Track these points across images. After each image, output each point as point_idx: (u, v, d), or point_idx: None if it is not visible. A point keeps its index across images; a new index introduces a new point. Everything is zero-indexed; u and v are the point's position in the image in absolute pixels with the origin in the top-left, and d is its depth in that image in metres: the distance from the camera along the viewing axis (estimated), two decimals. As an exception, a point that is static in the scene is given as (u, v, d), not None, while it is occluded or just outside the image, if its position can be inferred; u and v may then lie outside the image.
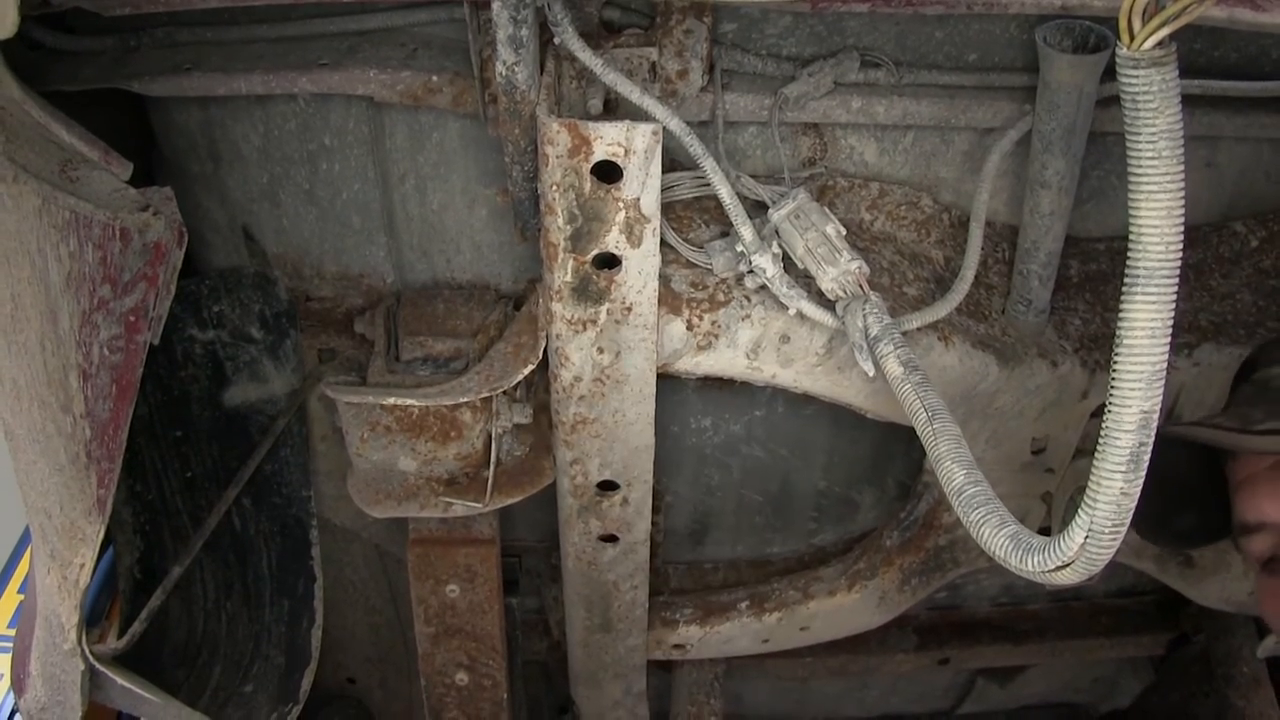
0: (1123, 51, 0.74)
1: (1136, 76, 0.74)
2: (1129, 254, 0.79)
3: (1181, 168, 0.76)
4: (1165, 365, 0.78)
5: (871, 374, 1.09)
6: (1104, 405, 0.83)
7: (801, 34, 1.22)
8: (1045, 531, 1.50)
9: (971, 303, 1.30)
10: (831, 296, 1.15)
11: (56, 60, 1.20)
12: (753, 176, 1.24)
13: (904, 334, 1.13)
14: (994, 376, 1.29)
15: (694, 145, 1.06)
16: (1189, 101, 1.21)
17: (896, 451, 1.62)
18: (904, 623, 1.77)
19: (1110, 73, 0.85)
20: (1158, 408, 0.79)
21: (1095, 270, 1.39)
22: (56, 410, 1.11)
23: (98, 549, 1.20)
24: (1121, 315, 0.79)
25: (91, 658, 1.26)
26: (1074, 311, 1.37)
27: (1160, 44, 0.72)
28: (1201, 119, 1.26)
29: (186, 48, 1.22)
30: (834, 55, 1.21)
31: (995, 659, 1.99)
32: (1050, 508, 1.49)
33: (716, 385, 1.30)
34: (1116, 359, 0.79)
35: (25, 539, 2.33)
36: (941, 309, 1.21)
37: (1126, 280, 0.79)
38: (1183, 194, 0.77)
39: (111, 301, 1.09)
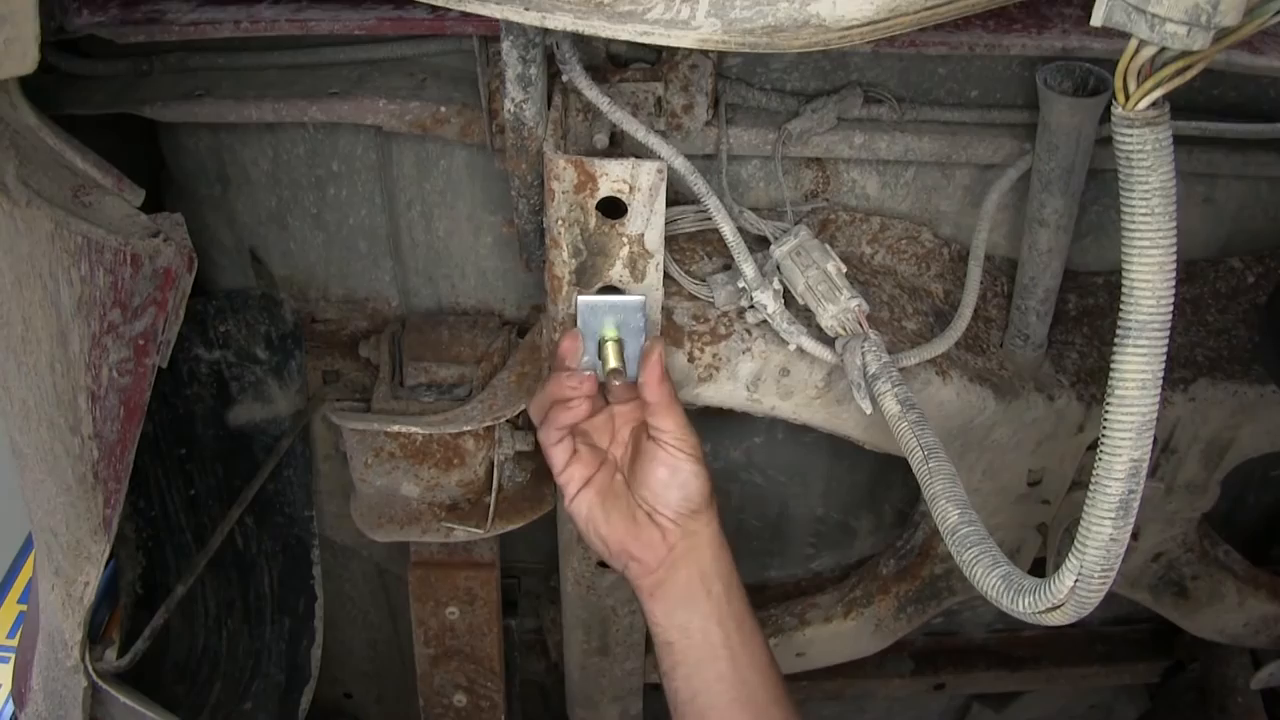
0: (1118, 111, 0.75)
1: (1131, 135, 0.76)
2: (1121, 306, 0.81)
3: (1174, 224, 0.78)
4: (1155, 415, 0.80)
5: (869, 411, 1.10)
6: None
7: (805, 69, 1.24)
8: (1041, 561, 1.52)
9: (970, 336, 1.32)
10: (831, 333, 1.16)
11: (70, 84, 1.22)
12: (755, 209, 1.25)
13: (902, 370, 1.14)
14: (991, 410, 1.30)
15: (699, 184, 1.08)
16: (1188, 140, 1.23)
17: (894, 479, 1.63)
18: (900, 648, 1.77)
19: (1110, 112, 0.87)
20: (1147, 457, 0.80)
21: (1093, 304, 1.40)
22: (65, 431, 1.13)
23: (103, 568, 1.21)
24: (1113, 366, 0.80)
25: (94, 674, 1.27)
26: (1071, 345, 1.38)
27: (1154, 104, 0.74)
28: (1200, 156, 1.27)
29: (199, 74, 1.23)
30: (837, 91, 1.23)
31: (991, 685, 2.00)
32: (1046, 539, 1.50)
33: (716, 413, 1.31)
34: (1108, 409, 0.80)
35: (25, 549, 2.34)
36: (940, 345, 1.22)
37: (1119, 332, 0.80)
38: (1175, 249, 0.78)
39: (121, 325, 1.10)
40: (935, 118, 1.25)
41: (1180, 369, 1.35)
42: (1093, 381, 1.34)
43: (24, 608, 2.24)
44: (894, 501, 1.67)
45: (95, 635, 1.37)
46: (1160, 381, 0.79)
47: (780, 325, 1.16)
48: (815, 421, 1.28)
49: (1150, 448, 0.79)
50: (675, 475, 1.15)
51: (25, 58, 0.85)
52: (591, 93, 1.05)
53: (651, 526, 1.17)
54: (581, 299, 1.12)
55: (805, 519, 1.69)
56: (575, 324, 1.14)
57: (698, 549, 1.17)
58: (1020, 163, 1.22)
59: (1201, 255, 1.41)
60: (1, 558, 2.35)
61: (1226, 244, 1.41)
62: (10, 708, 1.50)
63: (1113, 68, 0.76)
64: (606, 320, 1.13)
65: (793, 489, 1.64)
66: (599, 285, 1.13)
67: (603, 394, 1.17)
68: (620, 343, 1.14)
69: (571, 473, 1.16)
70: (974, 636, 1.96)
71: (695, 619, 1.17)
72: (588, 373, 1.12)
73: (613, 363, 1.13)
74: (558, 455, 1.16)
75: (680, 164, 1.07)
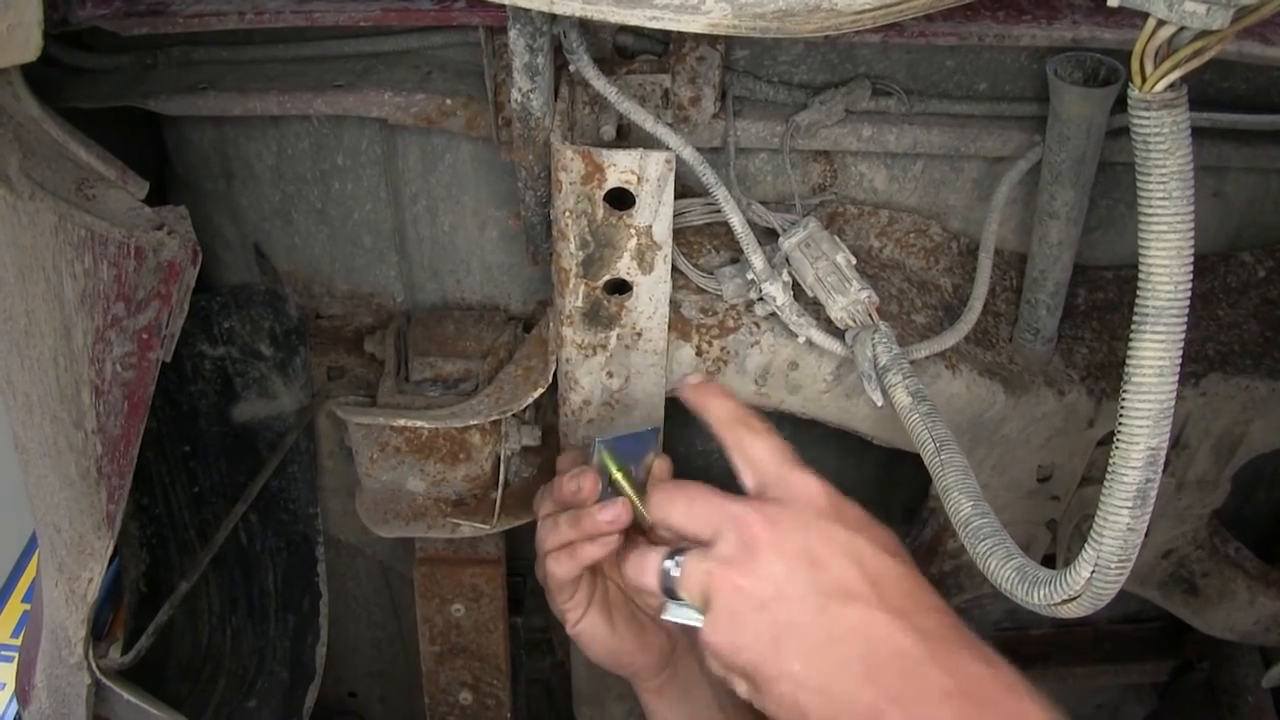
0: (1134, 93, 0.75)
1: (1148, 118, 0.75)
2: (1138, 292, 0.80)
3: (1191, 208, 0.77)
4: (1173, 403, 0.79)
5: (880, 403, 1.09)
6: (1111, 434, 0.84)
7: (813, 61, 1.23)
8: (1050, 558, 1.51)
9: (979, 331, 1.31)
10: (841, 325, 1.15)
11: (73, 77, 1.21)
12: (763, 202, 1.25)
13: (912, 363, 1.14)
14: (1001, 404, 1.29)
15: (707, 175, 1.07)
16: (1198, 132, 1.22)
17: (901, 476, 1.62)
18: (907, 646, 1.77)
19: (1121, 104, 0.86)
20: (1165, 445, 0.79)
21: (1103, 299, 1.40)
22: (68, 425, 1.12)
23: (106, 564, 1.20)
24: (1130, 353, 0.79)
25: (98, 672, 1.27)
26: (1081, 340, 1.37)
27: (1171, 86, 0.73)
28: (1210, 149, 1.26)
29: (203, 67, 1.23)
30: (846, 83, 1.22)
31: (998, 683, 1.99)
32: (1056, 535, 1.49)
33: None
34: (1125, 396, 0.80)
35: (29, 549, 2.34)
36: (950, 338, 1.21)
37: (1135, 318, 0.80)
38: (1192, 234, 0.78)
39: (125, 319, 1.09)
40: (944, 110, 1.24)
41: (1191, 363, 1.34)
42: (1103, 376, 1.33)
43: (28, 608, 2.24)
44: (901, 498, 1.66)
45: (99, 632, 1.37)
46: (1178, 368, 0.78)
47: (789, 317, 1.15)
48: (824, 416, 1.27)
49: (1168, 436, 0.79)
50: None
51: (28, 44, 0.84)
52: (599, 83, 1.04)
53: (657, 632, 1.16)
54: (602, 441, 1.10)
55: (812, 516, 1.68)
56: (588, 460, 1.12)
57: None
58: (1030, 155, 1.22)
59: (1211, 249, 1.40)
60: (5, 558, 2.35)
61: (1237, 238, 1.41)
62: (14, 706, 1.49)
63: (1123, 58, 0.76)
64: (622, 457, 1.12)
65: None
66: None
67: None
68: (628, 471, 1.12)
69: (576, 599, 1.13)
70: (981, 635, 1.94)
71: (699, 708, 1.16)
72: (619, 501, 1.08)
73: (629, 492, 1.10)
74: (563, 591, 1.12)
75: (689, 154, 1.06)
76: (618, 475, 1.11)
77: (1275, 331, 1.38)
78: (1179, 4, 0.66)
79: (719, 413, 1.07)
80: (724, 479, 1.59)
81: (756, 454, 1.03)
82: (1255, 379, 1.34)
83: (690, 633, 0.99)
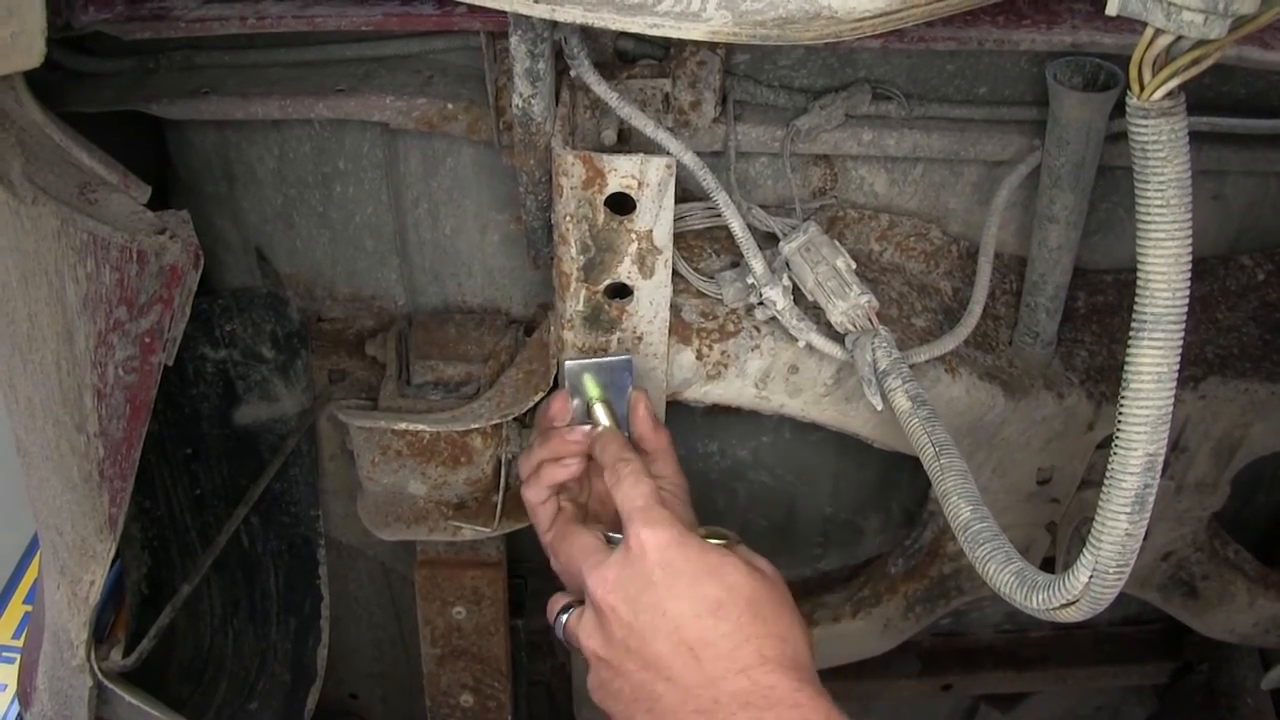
0: (1132, 101, 0.75)
1: (1146, 126, 0.75)
2: (1136, 299, 0.80)
3: (1189, 216, 0.77)
4: (1171, 409, 0.79)
5: (879, 408, 1.09)
6: (1111, 436, 0.84)
7: (814, 66, 1.23)
8: (1050, 560, 1.52)
9: (979, 334, 1.31)
10: (840, 329, 1.15)
11: (76, 82, 1.21)
12: (763, 206, 1.25)
13: (912, 367, 1.14)
14: (1000, 407, 1.29)
15: (707, 180, 1.07)
16: (1197, 136, 1.22)
17: (902, 479, 1.62)
18: (907, 648, 1.77)
19: (1120, 108, 0.86)
20: (1163, 451, 0.80)
21: (1102, 302, 1.40)
22: (71, 429, 1.12)
23: (108, 566, 1.21)
24: (1128, 359, 0.79)
25: (100, 674, 1.27)
26: (1081, 343, 1.37)
27: (1170, 94, 0.73)
28: (1209, 153, 1.26)
29: (204, 71, 1.23)
30: (846, 88, 1.22)
31: (998, 686, 1.99)
32: (1055, 538, 1.49)
33: (723, 411, 1.31)
34: (1123, 402, 0.80)
35: (30, 551, 2.34)
36: (949, 342, 1.21)
37: (1134, 325, 0.80)
38: (1190, 241, 0.78)
39: (127, 323, 1.10)
40: (944, 114, 1.24)
41: (1190, 366, 1.35)
42: (1102, 379, 1.34)
43: (29, 609, 2.24)
44: (902, 501, 1.67)
45: (101, 635, 1.37)
46: (1176, 375, 0.78)
47: (789, 322, 1.15)
48: (824, 419, 1.28)
49: (1166, 442, 0.79)
50: None
51: (31, 51, 0.85)
52: (600, 88, 1.04)
53: None
54: (569, 364, 1.15)
55: (813, 518, 1.69)
56: (562, 385, 1.16)
57: None
58: (1030, 159, 1.22)
59: (1211, 253, 1.41)
60: (7, 560, 2.35)
61: (1236, 241, 1.41)
62: (16, 708, 1.50)
63: (1122, 62, 0.76)
64: (594, 382, 1.16)
65: (800, 488, 1.64)
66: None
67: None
68: (608, 402, 1.17)
69: (550, 521, 1.17)
70: (981, 637, 1.95)
71: None
72: (584, 428, 1.15)
73: (604, 421, 1.16)
74: (544, 513, 1.16)
75: (689, 159, 1.06)
76: (594, 400, 1.16)
77: (1274, 334, 1.39)
78: (1177, 13, 0.66)
79: (600, 453, 1.13)
80: (724, 479, 1.60)
81: (619, 497, 1.06)
82: (1254, 382, 1.34)
83: None
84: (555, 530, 1.16)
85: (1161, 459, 0.80)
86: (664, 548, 0.98)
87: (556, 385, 1.23)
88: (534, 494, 1.16)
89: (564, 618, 1.09)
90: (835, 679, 1.87)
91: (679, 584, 0.96)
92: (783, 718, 0.88)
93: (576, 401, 1.17)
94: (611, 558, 1.02)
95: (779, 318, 1.16)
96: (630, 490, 1.04)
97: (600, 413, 1.17)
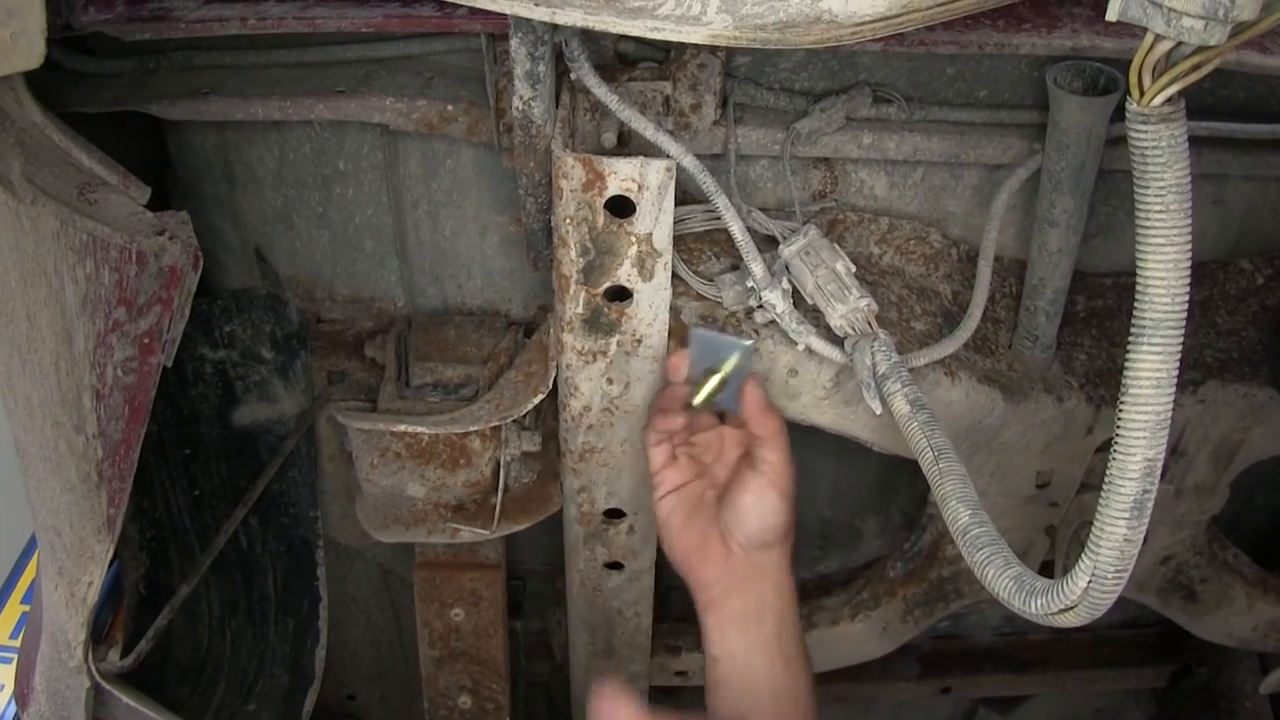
0: (1132, 107, 0.75)
1: (1146, 131, 0.75)
2: (1135, 304, 0.80)
3: (1189, 221, 0.77)
4: (1170, 414, 0.79)
5: (879, 411, 1.09)
6: (1110, 440, 0.84)
7: (814, 69, 1.23)
8: (1049, 564, 1.52)
9: (978, 337, 1.31)
10: (840, 333, 1.15)
11: (76, 82, 1.21)
12: (763, 209, 1.25)
13: (911, 370, 1.14)
14: (999, 411, 1.29)
15: (707, 182, 1.07)
16: (1197, 141, 1.22)
17: (901, 482, 1.62)
18: (906, 651, 1.77)
19: (1120, 112, 0.86)
20: (1162, 456, 0.80)
21: (1102, 306, 1.40)
22: (69, 430, 1.12)
23: (106, 567, 1.21)
24: (1127, 364, 0.79)
25: (97, 675, 1.27)
26: (1080, 347, 1.37)
27: (1169, 100, 0.73)
28: (1209, 157, 1.26)
29: (205, 72, 1.23)
30: (846, 91, 1.22)
31: (997, 689, 1.99)
32: (1054, 541, 1.49)
33: (722, 414, 1.31)
34: (1122, 407, 0.80)
35: (28, 550, 2.34)
36: (949, 346, 1.21)
37: (1133, 329, 0.80)
38: (1189, 246, 0.78)
39: (126, 324, 1.10)
40: (944, 118, 1.24)
41: (1190, 371, 1.34)
42: (1102, 383, 1.34)
43: (27, 609, 2.24)
44: (901, 504, 1.67)
45: (99, 636, 1.37)
46: (1175, 380, 0.78)
47: (789, 325, 1.15)
48: (823, 422, 1.28)
49: (1165, 447, 0.79)
50: (759, 505, 1.18)
51: (32, 52, 0.85)
52: (600, 90, 1.04)
53: (720, 546, 1.20)
54: (698, 330, 1.16)
55: (812, 521, 1.69)
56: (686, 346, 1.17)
57: (761, 580, 1.21)
58: (1030, 162, 1.22)
59: (1210, 257, 1.41)
60: (5, 560, 2.35)
61: (1236, 245, 1.41)
62: (13, 708, 1.49)
63: (1123, 67, 0.76)
64: (714, 354, 1.15)
65: (799, 491, 1.63)
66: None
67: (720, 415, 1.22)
68: (723, 379, 1.16)
69: (665, 475, 1.21)
70: (980, 640, 1.95)
71: (743, 645, 1.21)
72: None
73: (705, 392, 1.16)
74: (654, 456, 1.20)
75: (689, 162, 1.06)
76: (709, 370, 1.16)
77: (1273, 338, 1.38)
78: (1177, 19, 0.66)
79: None
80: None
81: None
82: (1253, 386, 1.34)
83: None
84: (675, 502, 1.21)
85: (1160, 464, 0.80)
86: None
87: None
88: (645, 435, 1.21)
89: None
90: (834, 682, 1.89)
91: None
92: None
93: (694, 365, 1.17)
94: None
95: (778, 321, 1.16)
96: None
97: (711, 383, 1.16)
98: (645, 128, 1.05)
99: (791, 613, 1.22)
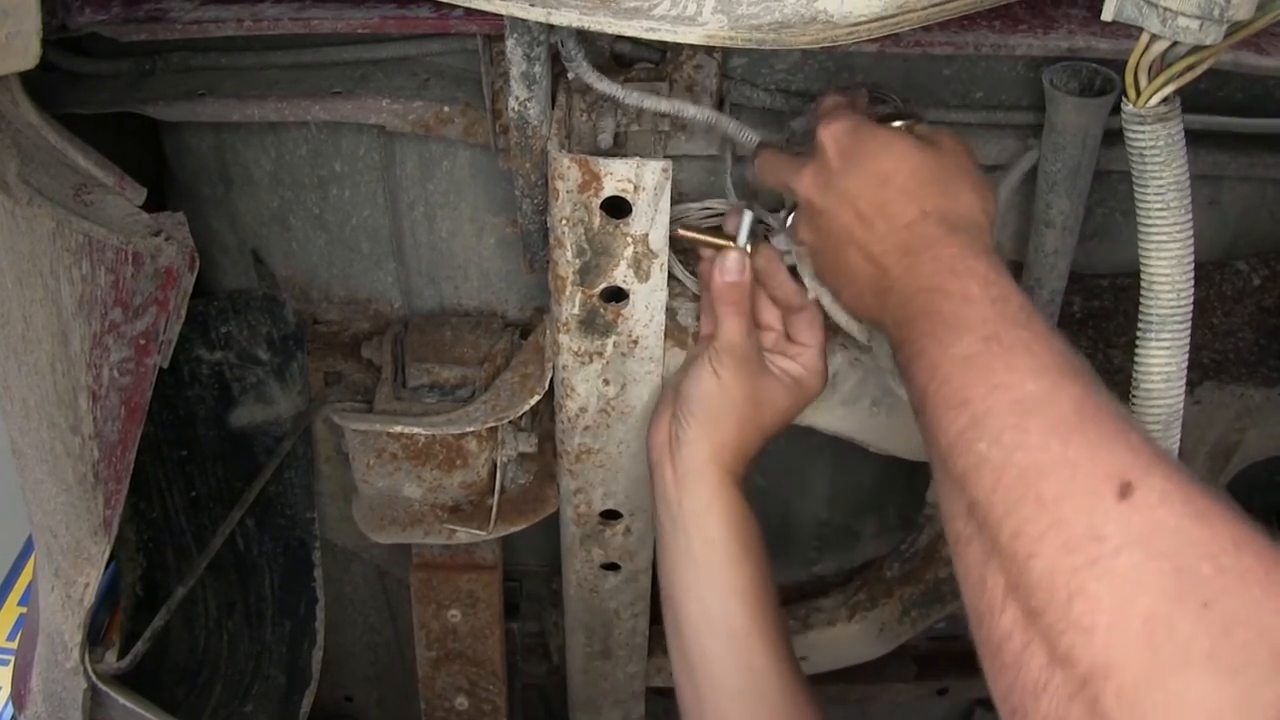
0: (1129, 108, 0.75)
1: (1143, 132, 0.75)
2: (1141, 301, 0.80)
3: (1190, 217, 0.77)
4: (1181, 408, 0.79)
5: (904, 396, 1.09)
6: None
7: (810, 70, 1.23)
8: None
9: (976, 338, 1.31)
10: (845, 327, 1.15)
11: (72, 83, 1.21)
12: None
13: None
14: (997, 412, 1.29)
15: (746, 133, 1.10)
16: (1193, 141, 1.23)
17: (897, 483, 1.62)
18: (903, 652, 1.77)
19: (1117, 112, 0.86)
20: (1176, 449, 0.80)
21: (1098, 306, 1.40)
22: (65, 431, 1.12)
23: (103, 568, 1.20)
24: (1136, 361, 0.80)
25: (94, 676, 1.27)
26: (1077, 347, 1.37)
27: (1166, 100, 0.73)
28: (1205, 158, 1.26)
29: (201, 73, 1.23)
30: (842, 91, 1.22)
31: (994, 690, 1.99)
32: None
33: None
34: (1134, 404, 0.80)
35: (25, 552, 2.34)
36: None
37: (1140, 327, 0.80)
38: (1191, 242, 0.78)
39: (122, 325, 1.10)
40: (940, 119, 1.24)
41: (1186, 371, 1.34)
42: (1098, 384, 1.34)
43: (24, 610, 2.24)
44: (897, 504, 1.67)
45: (95, 637, 1.37)
46: (1184, 374, 0.78)
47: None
48: (819, 424, 1.28)
49: (1178, 440, 0.79)
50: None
51: (27, 52, 0.85)
52: (602, 84, 1.04)
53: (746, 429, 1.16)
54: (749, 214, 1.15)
55: (808, 522, 1.69)
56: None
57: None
58: (1025, 159, 1.22)
59: (1206, 258, 1.40)
60: (1, 562, 2.35)
61: (1232, 246, 1.41)
62: (10, 710, 1.49)
63: (1119, 67, 0.76)
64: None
65: (795, 492, 1.64)
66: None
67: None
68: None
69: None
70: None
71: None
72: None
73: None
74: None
75: (732, 127, 1.09)
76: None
77: (1270, 339, 1.39)
78: (1172, 19, 0.66)
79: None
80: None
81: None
82: (1250, 387, 1.35)
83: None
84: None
85: (1175, 458, 0.80)
86: (839, 137, 1.04)
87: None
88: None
89: (789, 219, 1.14)
90: (831, 682, 1.89)
91: (853, 166, 1.03)
92: (939, 258, 0.94)
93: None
94: (808, 163, 1.07)
95: (777, 320, 1.16)
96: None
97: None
98: (659, 104, 1.06)
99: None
